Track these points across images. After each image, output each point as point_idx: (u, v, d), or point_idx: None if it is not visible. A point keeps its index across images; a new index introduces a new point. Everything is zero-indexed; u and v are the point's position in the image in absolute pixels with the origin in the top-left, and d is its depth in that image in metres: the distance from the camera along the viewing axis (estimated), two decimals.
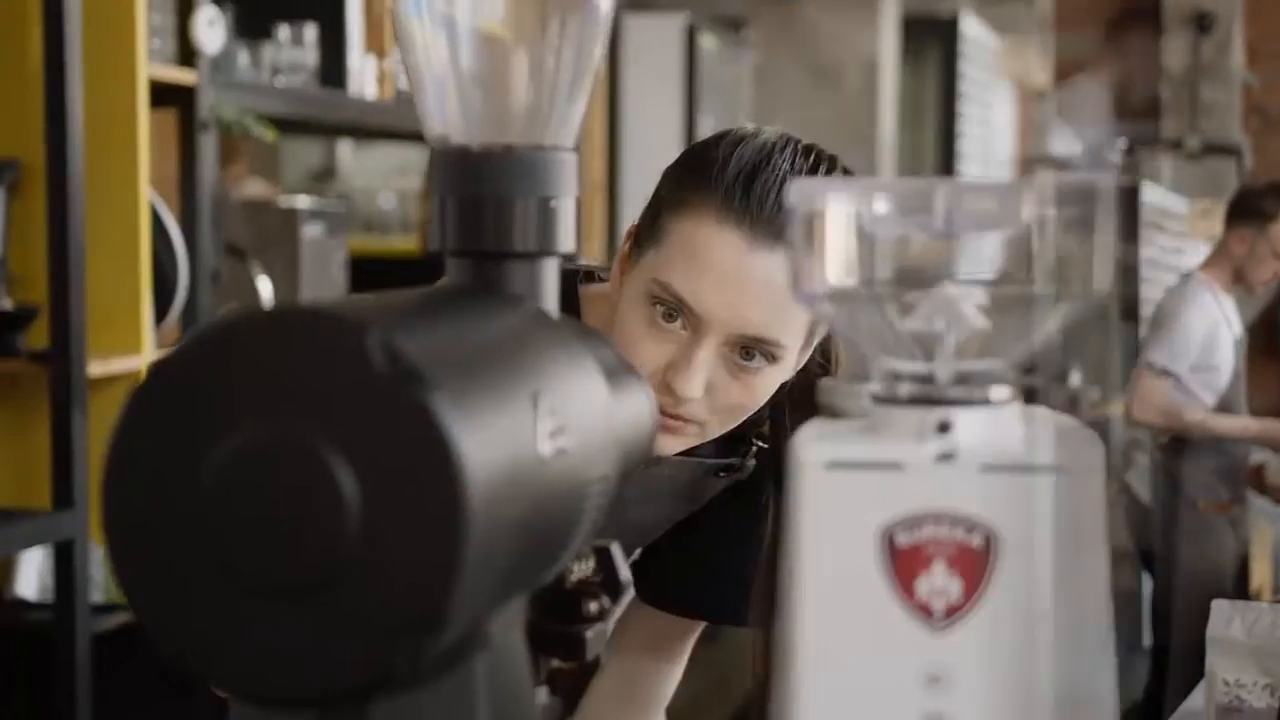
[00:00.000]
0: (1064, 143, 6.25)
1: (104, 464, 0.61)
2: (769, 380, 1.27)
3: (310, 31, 3.19)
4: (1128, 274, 6.86)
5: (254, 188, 3.83)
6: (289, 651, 0.59)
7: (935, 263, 0.69)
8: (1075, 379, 6.41)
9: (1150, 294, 7.17)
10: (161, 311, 2.69)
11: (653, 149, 5.03)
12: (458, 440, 0.59)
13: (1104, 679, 0.66)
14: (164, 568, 0.61)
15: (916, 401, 0.68)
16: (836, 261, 0.69)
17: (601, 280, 1.42)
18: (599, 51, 0.81)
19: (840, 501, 0.66)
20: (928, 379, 0.68)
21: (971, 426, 0.66)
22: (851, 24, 6.07)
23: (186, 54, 2.75)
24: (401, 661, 0.59)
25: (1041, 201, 0.65)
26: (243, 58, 3.07)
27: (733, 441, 1.38)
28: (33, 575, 2.72)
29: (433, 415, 0.59)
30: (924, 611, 0.65)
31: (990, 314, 0.68)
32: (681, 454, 1.32)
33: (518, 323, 0.73)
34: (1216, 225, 8.41)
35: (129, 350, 2.60)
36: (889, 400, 0.68)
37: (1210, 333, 4.33)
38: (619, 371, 0.81)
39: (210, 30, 2.73)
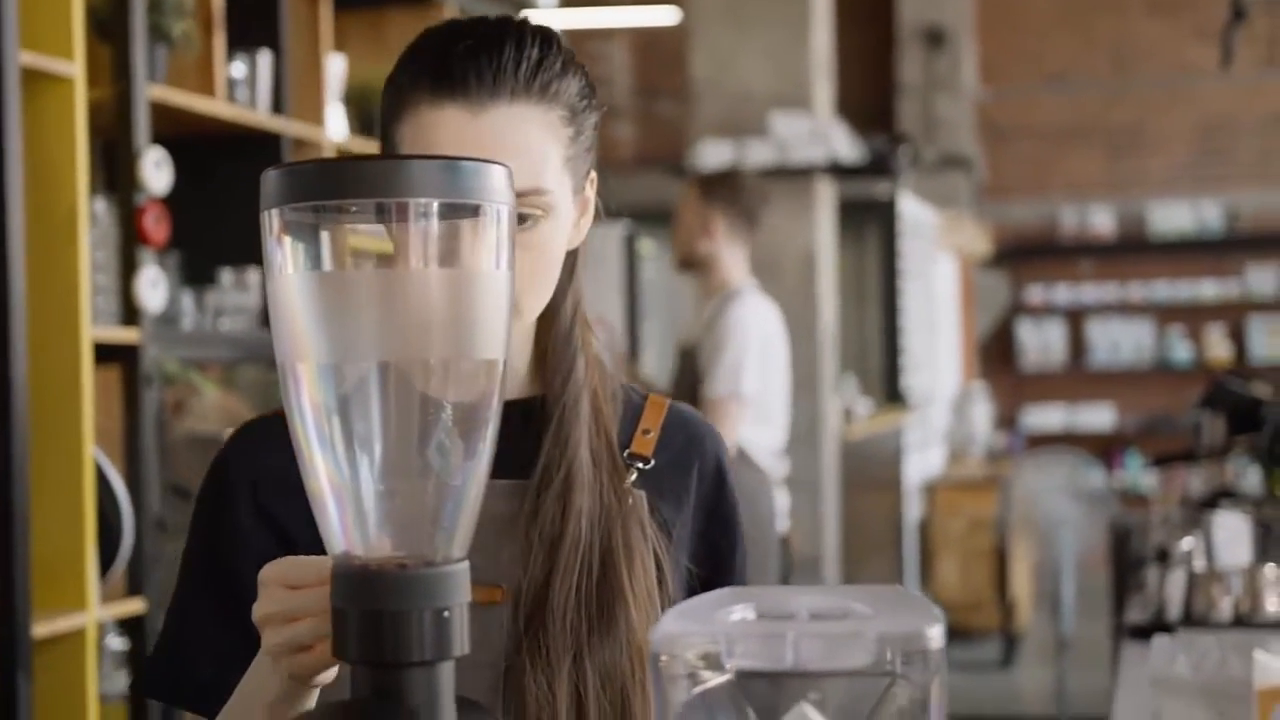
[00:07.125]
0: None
1: None
2: (547, 236, 1.21)
3: (253, 275, 3.28)
4: (889, 283, 7.49)
5: (229, 402, 3.86)
6: None
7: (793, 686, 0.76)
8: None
9: (908, 304, 7.50)
10: (106, 564, 2.73)
11: None
12: None
13: None
14: None
15: None
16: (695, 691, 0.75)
17: None
18: (484, 473, 0.88)
19: None
20: None
21: None
22: (788, 217, 6.19)
23: (130, 311, 2.82)
24: None
25: (879, 648, 0.72)
26: (188, 302, 3.16)
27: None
28: None
29: None
30: None
31: None
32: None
33: None
34: (962, 235, 8.61)
35: (74, 607, 2.63)
36: None
37: None
38: None
39: (152, 290, 2.81)
